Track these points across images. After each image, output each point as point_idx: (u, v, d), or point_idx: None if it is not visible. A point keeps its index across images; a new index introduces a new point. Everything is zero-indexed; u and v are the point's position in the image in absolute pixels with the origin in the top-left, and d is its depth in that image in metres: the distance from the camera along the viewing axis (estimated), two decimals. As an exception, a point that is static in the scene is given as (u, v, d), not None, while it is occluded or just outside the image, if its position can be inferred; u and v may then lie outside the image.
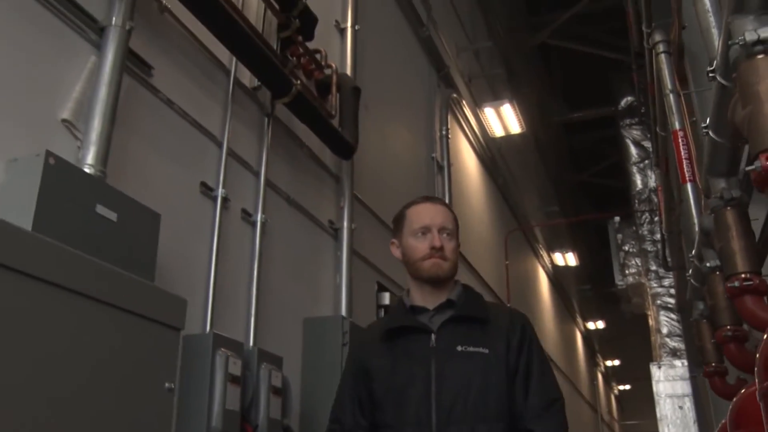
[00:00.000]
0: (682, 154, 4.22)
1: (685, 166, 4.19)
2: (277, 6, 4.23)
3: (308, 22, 4.38)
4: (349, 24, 5.60)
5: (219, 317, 3.47)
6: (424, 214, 2.19)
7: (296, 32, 4.31)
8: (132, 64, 3.17)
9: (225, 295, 3.58)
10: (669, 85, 4.48)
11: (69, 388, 1.59)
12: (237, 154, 3.89)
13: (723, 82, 2.22)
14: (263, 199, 4.01)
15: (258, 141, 4.13)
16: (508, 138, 10.23)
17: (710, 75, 2.29)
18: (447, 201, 7.26)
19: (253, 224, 3.94)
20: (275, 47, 4.23)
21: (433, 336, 2.08)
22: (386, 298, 5.44)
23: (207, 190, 3.61)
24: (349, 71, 5.37)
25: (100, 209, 2.62)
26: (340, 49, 5.52)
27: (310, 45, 4.68)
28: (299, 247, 4.48)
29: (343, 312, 4.60)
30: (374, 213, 5.59)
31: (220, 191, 3.65)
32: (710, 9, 2.57)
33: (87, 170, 2.72)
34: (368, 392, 2.11)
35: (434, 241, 2.11)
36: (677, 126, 4.36)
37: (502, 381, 2.03)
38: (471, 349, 2.05)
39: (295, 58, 4.48)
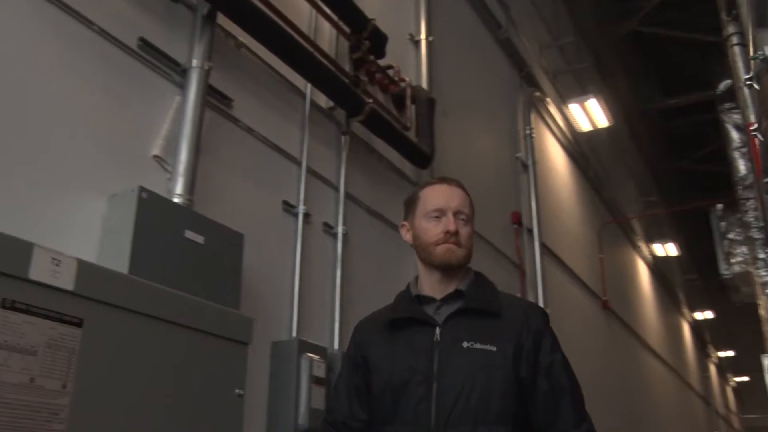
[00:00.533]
0: (757, 147, 4.21)
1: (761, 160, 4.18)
2: (347, 30, 4.49)
3: (378, 41, 4.61)
4: (422, 36, 5.81)
5: (305, 324, 3.75)
6: (440, 195, 2.05)
7: (367, 52, 4.56)
8: (213, 98, 3.50)
9: (310, 303, 3.87)
10: (742, 78, 4.47)
11: (158, 399, 1.87)
12: (316, 171, 4.17)
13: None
14: (343, 211, 4.28)
15: (336, 157, 4.40)
16: (599, 130, 10.16)
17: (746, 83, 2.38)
18: (533, 199, 7.37)
19: (335, 236, 4.21)
20: (348, 68, 4.50)
21: (437, 329, 1.94)
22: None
23: (289, 207, 3.91)
24: (424, 82, 5.58)
25: (189, 234, 2.94)
26: (416, 61, 5.74)
27: (385, 60, 4.93)
28: (381, 253, 4.72)
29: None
30: (456, 217, 5.77)
31: (301, 208, 3.94)
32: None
33: (176, 200, 3.05)
34: (366, 384, 1.99)
35: (449, 225, 1.96)
36: (752, 119, 4.35)
37: (508, 382, 1.87)
38: (478, 345, 1.89)
39: (368, 77, 4.75)
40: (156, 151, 3.15)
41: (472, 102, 6.84)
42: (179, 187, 3.11)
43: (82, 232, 2.72)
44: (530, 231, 7.25)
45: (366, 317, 2.20)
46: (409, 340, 1.96)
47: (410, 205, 2.12)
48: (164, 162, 3.16)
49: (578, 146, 9.95)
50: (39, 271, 1.51)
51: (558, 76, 9.67)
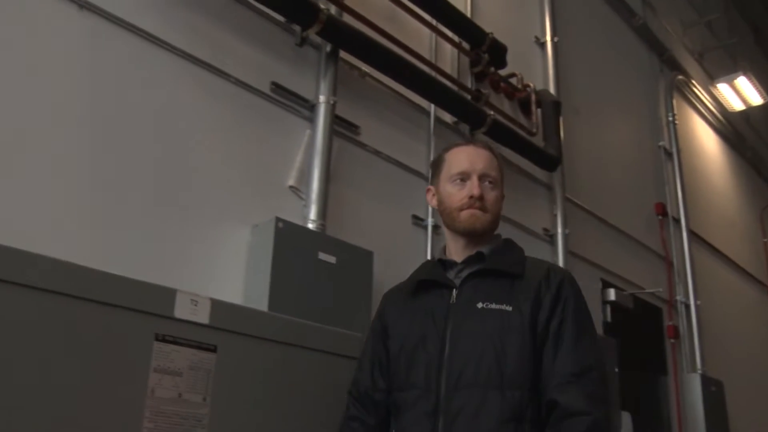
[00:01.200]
0: None
1: None
2: (467, 46, 4.71)
3: (497, 53, 4.79)
4: (548, 38, 5.89)
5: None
6: (464, 158, 1.98)
7: (487, 65, 4.76)
8: (340, 127, 3.84)
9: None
10: None
11: (280, 410, 2.22)
12: (443, 184, 4.42)
13: None
14: (471, 220, 4.51)
15: (463, 169, 4.62)
16: (755, 108, 9.67)
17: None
18: (679, 187, 7.22)
19: (464, 244, 4.45)
20: (470, 82, 4.73)
21: (454, 291, 1.89)
22: (611, 294, 5.66)
23: (418, 221, 4.19)
24: (551, 83, 5.68)
25: (322, 255, 3.31)
26: (542, 63, 5.85)
27: (510, 67, 5.10)
28: (513, 257, 4.89)
29: (562, 314, 4.94)
30: (593, 213, 5.84)
31: (430, 220, 4.21)
32: None
33: (310, 225, 3.42)
34: (387, 352, 1.96)
35: (473, 189, 1.91)
36: None
37: (524, 343, 1.78)
38: (493, 306, 1.82)
39: (492, 87, 4.95)
40: (291, 181, 3.54)
41: (607, 95, 6.82)
42: (313, 213, 3.48)
43: (230, 259, 3.15)
44: (677, 220, 7.10)
45: (393, 287, 2.17)
46: (426, 303, 1.91)
47: (435, 168, 2.05)
48: (299, 191, 3.54)
49: (732, 126, 9.52)
50: (182, 310, 1.89)
51: (706, 55, 9.32)
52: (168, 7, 3.24)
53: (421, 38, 4.54)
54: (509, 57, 5.04)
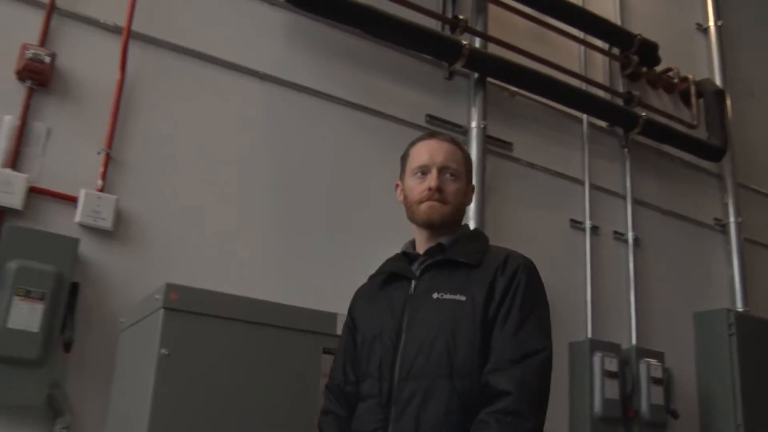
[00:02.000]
0: None
1: None
2: (616, 50, 4.91)
3: (647, 52, 4.94)
4: (711, 23, 5.86)
5: (601, 325, 4.31)
6: (425, 151, 2.00)
7: (638, 65, 4.92)
8: (494, 146, 4.24)
9: (605, 305, 4.41)
10: None
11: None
12: (601, 186, 4.67)
13: None
14: (633, 218, 4.71)
15: (620, 168, 4.84)
16: None
17: None
18: None
19: (626, 241, 4.66)
20: (622, 85, 4.92)
21: (413, 282, 1.92)
22: (799, 279, 5.54)
23: (576, 224, 4.49)
24: (716, 69, 5.66)
25: (480, 266, 3.73)
26: (706, 50, 5.83)
27: (668, 61, 5.19)
28: (680, 250, 5.01)
29: (739, 303, 4.99)
30: (771, 197, 5.76)
31: (588, 223, 4.49)
32: None
33: (469, 239, 3.86)
34: (355, 344, 2.00)
35: (431, 181, 1.93)
36: None
37: (475, 333, 1.79)
38: (447, 296, 1.84)
39: (649, 85, 5.11)
40: (451, 201, 4.00)
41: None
42: (472, 227, 3.90)
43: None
44: None
45: (365, 282, 2.18)
46: (388, 296, 1.95)
47: (402, 163, 2.09)
48: (458, 209, 3.99)
49: None
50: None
51: None
52: (331, 66, 3.84)
53: (570, 51, 4.81)
54: (667, 49, 5.14)
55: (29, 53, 3.03)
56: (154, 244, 3.15)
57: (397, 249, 3.68)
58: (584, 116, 4.72)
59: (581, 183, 4.59)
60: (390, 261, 2.09)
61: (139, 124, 3.28)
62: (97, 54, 3.26)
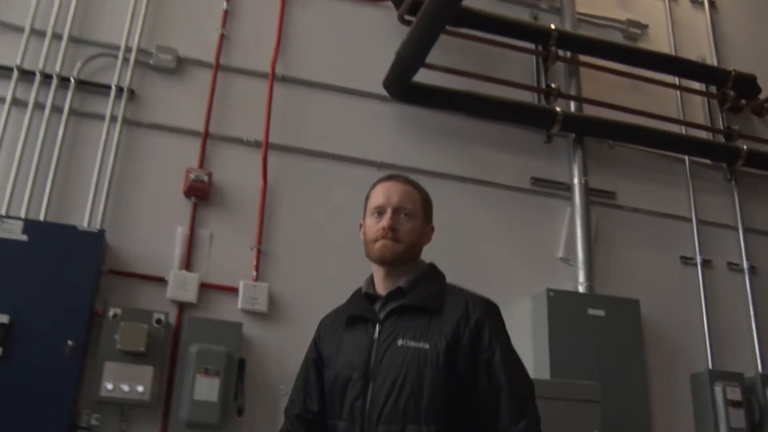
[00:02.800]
0: None
1: None
2: (712, 89, 5.13)
3: (744, 85, 5.10)
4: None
5: (722, 355, 4.50)
6: (381, 193, 2.06)
7: (736, 99, 5.12)
8: (597, 198, 4.59)
9: (725, 335, 4.58)
10: None
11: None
12: (709, 220, 4.87)
13: None
14: (746, 247, 4.87)
15: (728, 200, 4.99)
16: None
17: None
18: None
19: (741, 271, 4.82)
20: (722, 122, 5.12)
21: (377, 326, 1.97)
22: None
23: (687, 260, 4.71)
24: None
25: (591, 311, 4.10)
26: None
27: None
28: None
29: None
30: None
31: (699, 258, 4.71)
32: None
33: (580, 288, 4.23)
34: (320, 378, 2.06)
35: (385, 221, 1.99)
36: None
37: (438, 380, 1.85)
38: (411, 343, 1.90)
39: (755, 114, 5.28)
40: (560, 253, 4.39)
41: None
42: (581, 277, 4.28)
43: (519, 328, 4.09)
44: None
45: (328, 313, 2.22)
46: (353, 337, 2.00)
47: (365, 203, 2.14)
48: (568, 260, 4.38)
49: None
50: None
51: None
52: (439, 145, 4.38)
53: (667, 95, 5.09)
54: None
55: (192, 176, 3.78)
56: (302, 320, 3.74)
57: (508, 306, 4.12)
58: (686, 156, 4.95)
59: (688, 220, 4.82)
60: (353, 299, 2.12)
61: (281, 220, 3.95)
62: (243, 167, 3.98)
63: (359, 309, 2.05)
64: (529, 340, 4.07)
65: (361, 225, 2.11)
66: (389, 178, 2.12)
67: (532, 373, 3.84)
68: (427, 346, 1.87)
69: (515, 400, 1.83)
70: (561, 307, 4.05)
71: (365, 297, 2.06)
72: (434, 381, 1.84)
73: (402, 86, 4.18)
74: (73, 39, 3.97)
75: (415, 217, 2.04)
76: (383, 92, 4.29)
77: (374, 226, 2.01)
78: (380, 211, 2.02)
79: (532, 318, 4.13)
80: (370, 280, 2.09)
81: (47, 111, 3.77)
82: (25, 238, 3.44)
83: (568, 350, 3.93)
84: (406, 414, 1.83)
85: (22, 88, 3.79)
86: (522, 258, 4.32)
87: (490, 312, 1.96)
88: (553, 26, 4.63)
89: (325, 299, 3.79)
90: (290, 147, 4.10)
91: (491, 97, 4.35)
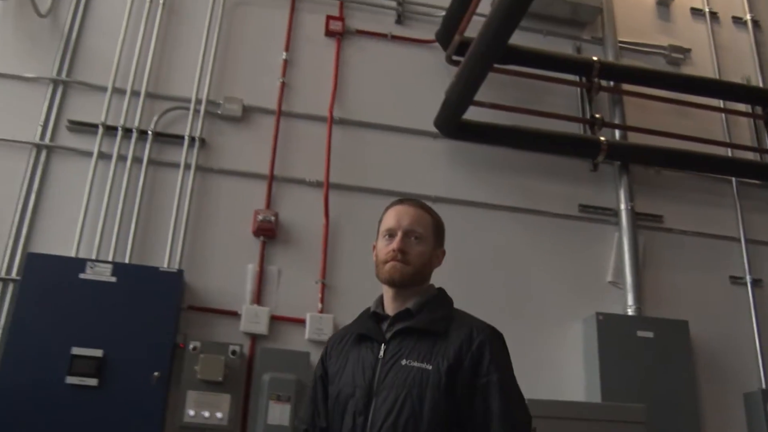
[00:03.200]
0: None
1: None
2: (758, 109, 5.24)
3: (790, 104, 5.21)
4: None
5: (774, 373, 4.61)
6: (392, 216, 2.13)
7: (782, 118, 5.22)
8: (644, 221, 4.76)
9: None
10: None
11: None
12: (758, 239, 4.98)
13: None
14: (799, 264, 4.97)
15: (779, 220, 5.12)
16: None
17: None
18: None
19: (794, 288, 4.92)
20: (768, 142, 5.24)
21: (383, 346, 2.03)
22: None
23: (737, 280, 4.83)
24: None
25: (640, 333, 4.27)
26: None
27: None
28: None
29: None
30: None
31: (748, 277, 4.82)
32: None
33: (629, 311, 4.41)
34: (326, 395, 2.13)
35: (395, 243, 2.06)
36: None
37: (440, 402, 1.91)
38: (415, 364, 1.96)
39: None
40: (609, 277, 4.58)
41: None
42: (630, 300, 4.46)
43: (570, 351, 4.29)
44: None
45: (337, 332, 2.30)
46: (359, 355, 2.06)
47: (378, 227, 2.21)
48: (617, 284, 4.56)
49: None
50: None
51: None
52: (490, 178, 4.63)
53: (712, 117, 5.22)
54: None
55: (260, 217, 4.12)
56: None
57: (559, 330, 4.33)
58: (732, 177, 5.08)
59: (737, 240, 4.93)
60: (362, 318, 2.19)
61: (343, 255, 4.25)
62: (307, 206, 4.30)
63: (366, 328, 2.10)
64: (580, 363, 4.26)
65: (374, 247, 2.17)
66: (401, 201, 2.18)
67: (583, 395, 4.14)
68: (429, 367, 1.93)
69: (507, 427, 1.87)
70: (610, 329, 4.23)
71: (373, 316, 2.12)
72: (434, 402, 1.90)
73: (452, 125, 4.44)
74: (149, 95, 4.37)
75: (425, 241, 2.10)
76: (434, 129, 4.56)
77: (385, 248, 2.08)
78: (391, 234, 2.09)
79: (583, 341, 4.32)
80: (380, 301, 2.15)
81: (129, 162, 4.16)
82: (113, 279, 3.81)
83: (619, 372, 4.10)
84: (406, 431, 1.88)
85: (107, 142, 4.19)
86: (572, 283, 4.51)
87: (493, 338, 2.00)
88: (595, 58, 4.83)
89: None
90: (349, 185, 4.40)
91: (537, 130, 4.58)
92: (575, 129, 4.82)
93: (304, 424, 2.15)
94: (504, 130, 4.53)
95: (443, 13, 4.68)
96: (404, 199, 2.21)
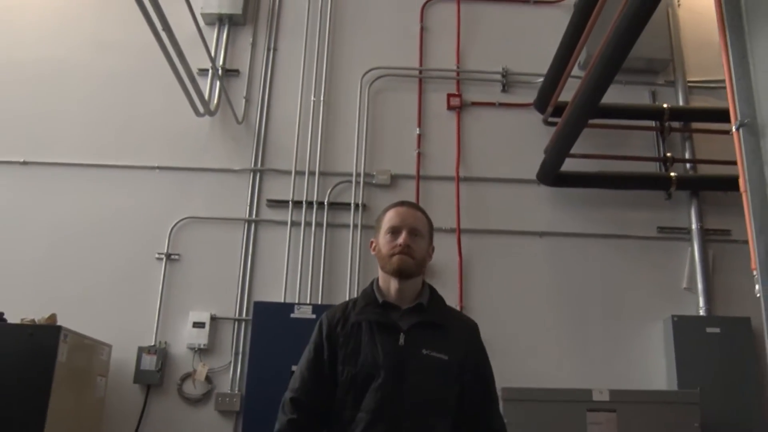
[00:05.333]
0: None
1: None
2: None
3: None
4: None
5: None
6: (396, 216, 2.42)
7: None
8: (714, 236, 5.92)
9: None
10: None
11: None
12: (814, 241, 6.04)
13: None
14: None
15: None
16: None
17: None
18: None
19: None
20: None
21: (402, 335, 2.30)
22: None
23: (795, 276, 5.94)
24: None
25: (708, 329, 5.50)
26: None
27: None
28: None
29: None
30: None
31: (805, 274, 5.92)
32: None
33: (701, 312, 5.63)
34: (332, 372, 2.33)
35: (402, 239, 2.34)
36: None
37: (454, 385, 2.33)
38: (434, 354, 2.29)
39: None
40: (685, 284, 5.81)
41: None
42: (701, 302, 5.68)
43: (651, 345, 5.59)
44: None
45: (331, 310, 2.49)
46: (377, 339, 2.31)
47: (377, 225, 2.50)
48: (691, 289, 5.79)
49: None
50: (597, 394, 4.53)
51: None
52: (586, 212, 5.91)
53: (771, 138, 6.25)
54: None
55: (412, 263, 5.60)
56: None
57: (644, 330, 5.61)
58: (791, 189, 6.12)
59: (796, 243, 6.02)
60: (367, 307, 2.41)
61: (475, 289, 5.67)
62: (444, 249, 5.72)
63: (385, 317, 2.36)
64: (662, 357, 5.56)
65: (371, 242, 2.52)
66: (402, 204, 2.50)
67: (665, 384, 5.44)
68: (446, 357, 2.31)
69: (497, 406, 2.48)
70: (684, 328, 5.48)
71: (382, 306, 2.39)
72: (453, 387, 2.33)
73: (550, 177, 5.74)
74: (321, 173, 5.90)
75: (423, 238, 2.43)
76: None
77: (390, 243, 2.38)
78: (394, 231, 2.39)
79: (664, 339, 5.61)
80: (379, 291, 2.44)
81: (313, 227, 5.73)
82: (314, 316, 5.39)
83: (693, 363, 5.38)
84: (430, 410, 2.27)
85: (296, 213, 5.77)
86: (654, 290, 5.77)
87: (479, 332, 2.53)
88: (665, 105, 5.97)
89: (512, 346, 5.52)
90: (476, 229, 5.81)
91: (619, 173, 5.81)
92: (652, 167, 6.00)
93: (305, 398, 2.34)
94: (592, 177, 5.79)
95: (541, 79, 5.91)
96: (403, 201, 2.55)
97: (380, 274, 2.45)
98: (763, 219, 3.16)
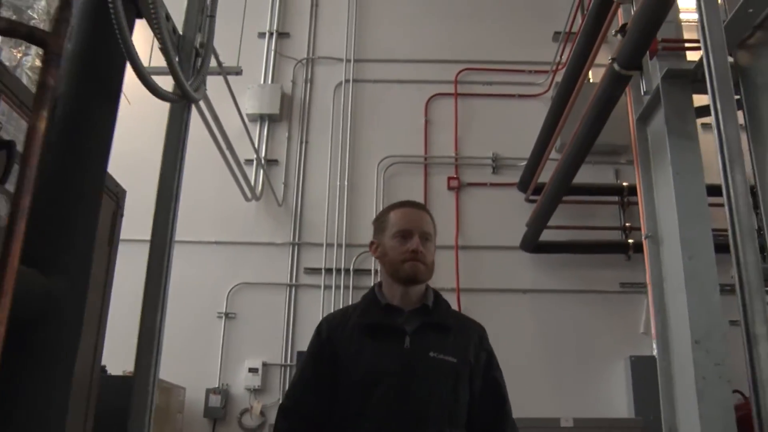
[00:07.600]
0: None
1: None
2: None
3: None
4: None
5: None
6: (407, 218, 2.25)
7: None
8: None
9: None
10: None
11: None
12: None
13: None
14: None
15: None
16: None
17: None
18: None
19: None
20: None
21: (407, 338, 2.13)
22: None
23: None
24: None
25: (661, 369, 6.88)
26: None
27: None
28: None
29: None
30: None
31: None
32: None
33: (654, 352, 7.01)
34: (333, 378, 2.16)
35: (415, 245, 2.17)
36: None
37: (465, 389, 2.14)
38: (442, 356, 2.11)
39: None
40: (642, 329, 7.18)
41: None
42: (654, 344, 7.06)
43: (612, 384, 6.96)
44: None
45: (331, 315, 2.36)
46: (381, 343, 2.15)
47: (379, 224, 2.33)
48: (647, 334, 7.15)
49: None
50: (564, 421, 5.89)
51: None
52: (562, 272, 7.30)
53: (714, 206, 7.64)
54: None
55: (421, 318, 7.04)
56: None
57: (611, 365, 6.99)
58: None
59: (734, 293, 7.38)
60: (371, 310, 2.26)
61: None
62: (447, 305, 7.14)
63: (387, 319, 2.21)
64: (623, 391, 6.90)
65: (372, 243, 2.36)
66: (409, 204, 2.34)
67: (626, 413, 6.79)
68: (454, 360, 2.14)
69: (509, 410, 2.26)
70: (641, 367, 6.82)
71: (386, 309, 2.23)
72: (463, 389, 2.15)
73: (531, 245, 7.15)
74: (347, 245, 7.34)
75: (432, 241, 2.29)
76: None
77: (400, 248, 2.21)
78: (404, 235, 2.22)
79: (624, 376, 6.96)
80: (381, 294, 2.28)
81: (342, 290, 7.16)
82: (344, 362, 6.82)
83: (648, 396, 6.73)
84: (442, 417, 2.09)
85: (328, 279, 7.21)
86: (617, 335, 7.14)
87: (487, 336, 2.32)
88: (625, 183, 7.37)
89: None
90: (472, 288, 7.21)
91: (588, 241, 7.22)
92: (616, 235, 7.39)
93: (301, 405, 2.20)
94: (566, 245, 7.19)
95: (524, 162, 7.29)
96: (409, 201, 2.38)
97: (384, 278, 2.31)
98: (660, 305, 4.46)
